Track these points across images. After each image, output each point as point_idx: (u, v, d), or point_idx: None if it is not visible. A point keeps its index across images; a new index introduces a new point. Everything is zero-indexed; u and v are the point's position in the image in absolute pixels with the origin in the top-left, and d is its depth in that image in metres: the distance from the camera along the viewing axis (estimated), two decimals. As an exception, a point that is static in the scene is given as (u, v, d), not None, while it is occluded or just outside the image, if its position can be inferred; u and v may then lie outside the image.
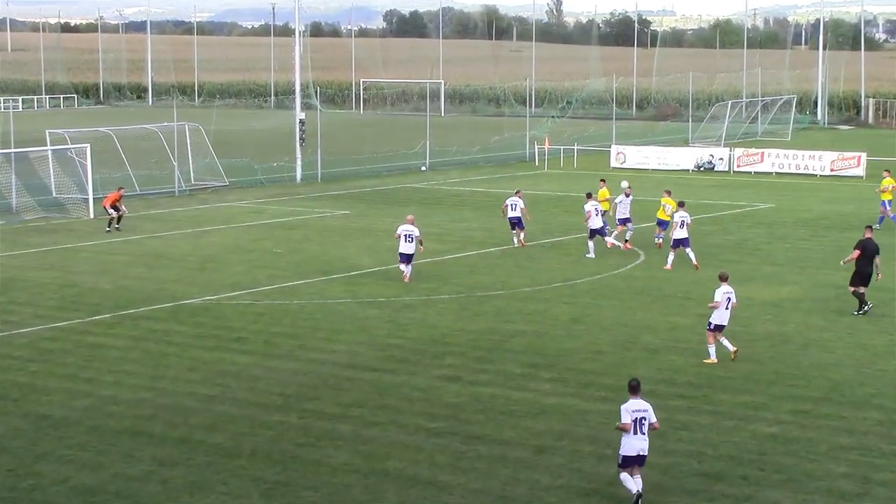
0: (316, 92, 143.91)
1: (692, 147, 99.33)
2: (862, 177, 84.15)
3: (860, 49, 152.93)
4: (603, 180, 60.62)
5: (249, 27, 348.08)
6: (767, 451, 27.14)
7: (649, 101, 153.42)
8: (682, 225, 48.61)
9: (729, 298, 34.22)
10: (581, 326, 39.14)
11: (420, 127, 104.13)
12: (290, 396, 31.20)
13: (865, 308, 40.30)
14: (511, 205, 54.37)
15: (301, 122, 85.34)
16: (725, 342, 34.21)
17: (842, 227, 60.65)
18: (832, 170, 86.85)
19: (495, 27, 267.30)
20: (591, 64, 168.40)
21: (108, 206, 58.50)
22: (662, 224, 53.39)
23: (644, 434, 23.42)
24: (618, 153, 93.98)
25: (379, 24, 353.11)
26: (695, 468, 26.02)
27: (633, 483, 23.24)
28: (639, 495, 23.22)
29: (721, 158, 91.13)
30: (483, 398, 30.92)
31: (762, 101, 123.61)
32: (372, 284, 45.96)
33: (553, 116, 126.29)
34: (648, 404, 23.73)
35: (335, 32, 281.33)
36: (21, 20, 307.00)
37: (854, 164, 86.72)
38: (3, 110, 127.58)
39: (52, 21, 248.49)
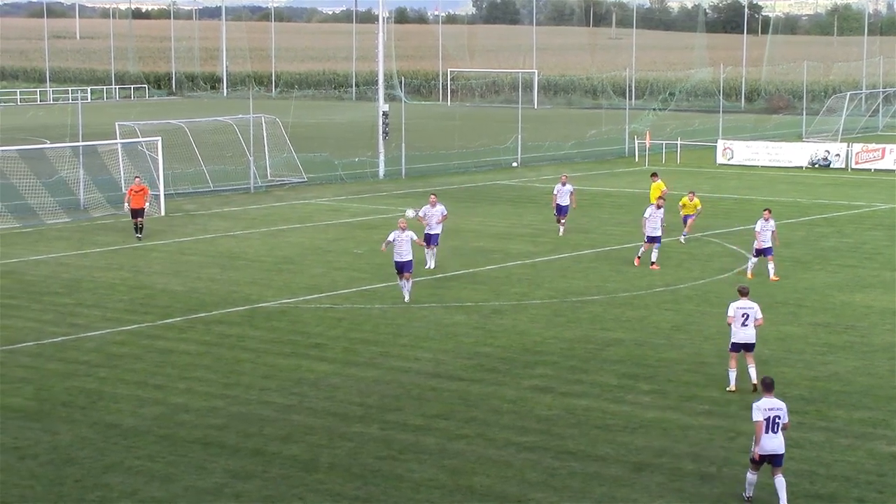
0: (400, 82, 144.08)
1: (806, 142, 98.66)
2: None
3: None
4: (654, 174, 60.49)
5: (330, 13, 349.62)
6: (887, 471, 26.92)
7: (759, 92, 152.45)
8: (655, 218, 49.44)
9: (746, 315, 32.55)
10: (683, 335, 39.03)
11: (511, 120, 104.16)
12: (370, 407, 31.36)
13: None
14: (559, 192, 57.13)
15: (384, 114, 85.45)
16: (752, 371, 32.37)
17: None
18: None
19: (593, 13, 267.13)
20: (697, 53, 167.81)
21: (136, 208, 56.57)
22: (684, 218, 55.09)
23: (777, 433, 23.76)
24: (724, 149, 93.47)
25: (468, 9, 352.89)
26: (806, 489, 25.85)
27: (752, 488, 24.03)
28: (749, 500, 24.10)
29: (837, 155, 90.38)
30: (577, 411, 30.92)
31: (884, 92, 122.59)
32: (459, 288, 46.03)
33: (655, 109, 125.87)
34: (783, 403, 24.11)
35: (421, 19, 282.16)
36: (90, 6, 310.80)
37: None
38: (71, 102, 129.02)
39: (123, 7, 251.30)
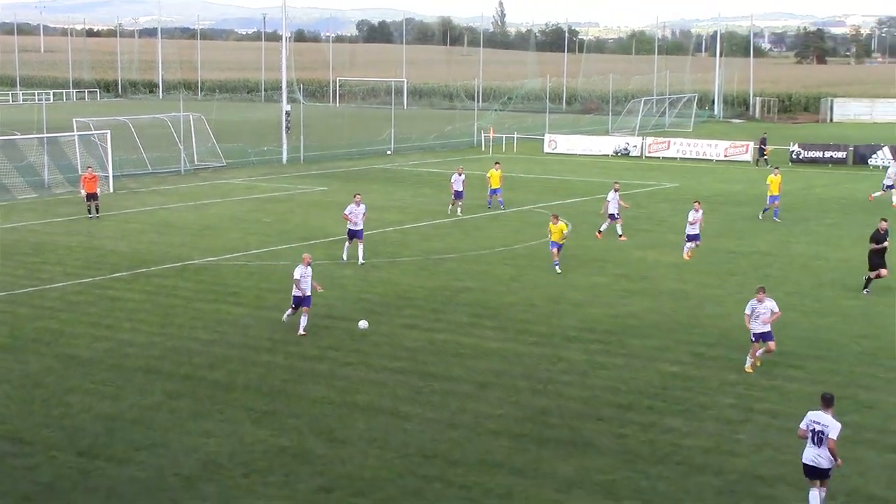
0: (299, 88, 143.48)
1: (612, 136, 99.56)
2: (749, 162, 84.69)
3: (750, 56, 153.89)
4: (497, 163, 60.68)
5: (244, 33, 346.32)
6: (669, 386, 27.44)
7: (576, 97, 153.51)
8: (614, 203, 48.24)
9: (753, 309, 28.76)
10: (518, 284, 39.34)
11: (386, 118, 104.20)
12: (276, 341, 31.29)
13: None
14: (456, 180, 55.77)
15: (286, 113, 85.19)
16: (759, 352, 29.11)
17: (733, 203, 61.14)
18: (725, 156, 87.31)
19: (450, 35, 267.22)
20: (529, 66, 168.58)
21: (90, 192, 54.38)
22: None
23: (822, 447, 19.31)
24: (550, 141, 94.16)
25: (352, 31, 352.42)
26: (610, 399, 26.28)
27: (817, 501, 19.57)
28: None
29: (635, 146, 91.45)
30: (437, 342, 31.09)
31: (669, 98, 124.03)
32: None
33: (497, 110, 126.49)
34: (834, 422, 19.36)
35: (315, 38, 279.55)
36: (52, 26, 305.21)
37: (743, 151, 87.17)
38: (37, 102, 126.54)
39: (79, 27, 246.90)
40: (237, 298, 36.71)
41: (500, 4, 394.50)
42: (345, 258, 42.38)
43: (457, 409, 25.59)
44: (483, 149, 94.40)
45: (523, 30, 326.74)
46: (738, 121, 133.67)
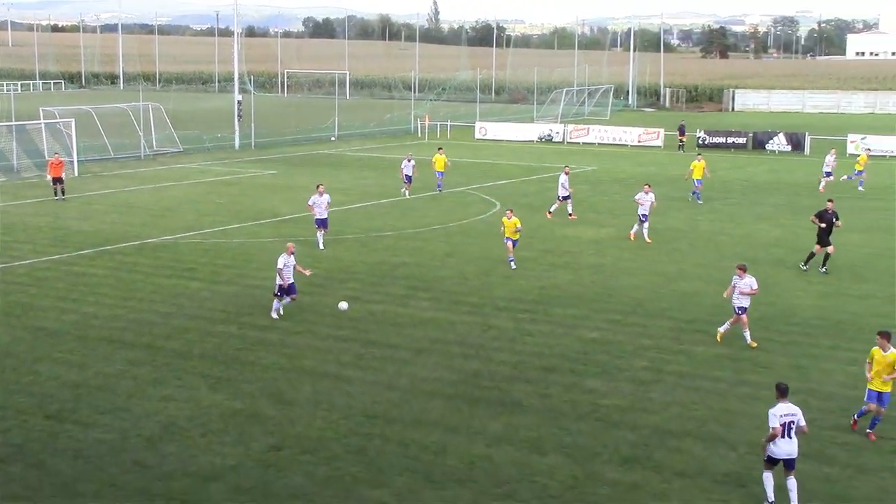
0: (250, 80, 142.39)
1: (536, 123, 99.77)
2: (661, 146, 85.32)
3: (660, 51, 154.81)
4: (441, 148, 60.51)
5: (199, 28, 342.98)
6: (589, 350, 27.58)
7: (504, 88, 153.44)
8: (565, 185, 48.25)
9: (735, 284, 28.13)
10: (452, 259, 39.34)
11: (330, 107, 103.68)
12: (230, 313, 31.09)
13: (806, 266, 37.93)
14: (405, 165, 55.15)
15: (238, 102, 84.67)
16: (746, 333, 28.32)
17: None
18: (639, 141, 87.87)
19: (388, 31, 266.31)
20: (461, 60, 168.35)
21: (55, 177, 53.71)
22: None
23: (792, 438, 18.44)
24: (480, 128, 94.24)
25: (299, 27, 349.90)
26: (536, 363, 26.38)
27: (771, 488, 18.43)
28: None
29: (557, 132, 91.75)
30: (377, 313, 31.04)
31: (588, 89, 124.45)
32: (292, 227, 45.78)
33: (432, 99, 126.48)
34: (798, 409, 18.64)
35: (265, 34, 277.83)
36: (19, 22, 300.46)
37: (655, 137, 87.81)
38: (5, 92, 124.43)
39: (44, 23, 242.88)
40: (193, 274, 36.42)
41: (435, 3, 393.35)
42: (321, 247, 40.70)
43: (395, 373, 25.60)
44: (419, 135, 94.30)
45: (455, 26, 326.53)
46: (650, 110, 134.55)
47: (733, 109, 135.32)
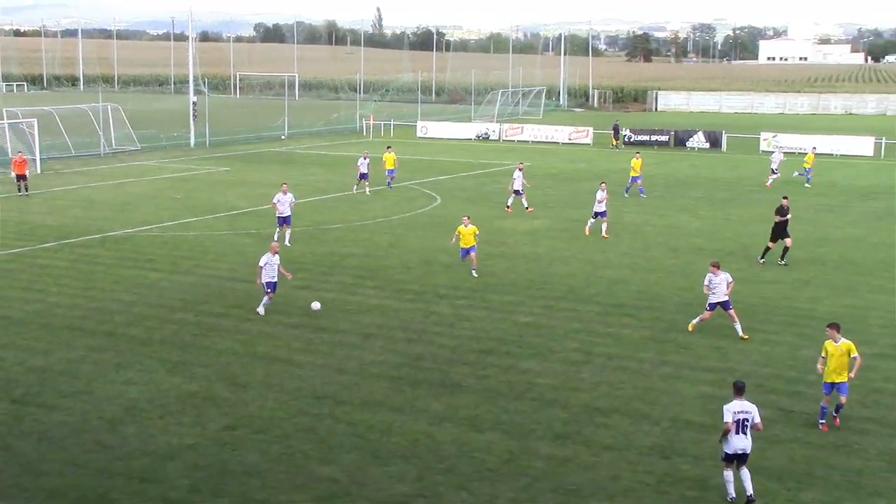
0: (204, 82, 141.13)
1: (474, 123, 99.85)
2: (590, 144, 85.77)
3: (589, 55, 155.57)
4: (389, 147, 59.95)
5: (155, 33, 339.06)
6: (524, 334, 27.69)
7: (444, 90, 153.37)
8: (518, 181, 48.06)
9: (710, 281, 27.44)
10: (396, 249, 39.31)
11: (280, 108, 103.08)
12: (188, 301, 30.86)
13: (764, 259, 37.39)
14: (362, 163, 54.19)
15: (193, 103, 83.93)
16: (737, 327, 27.62)
17: (576, 179, 61.83)
18: (569, 139, 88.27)
19: (335, 36, 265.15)
20: (403, 63, 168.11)
21: (19, 174, 52.86)
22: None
23: (747, 434, 17.71)
24: (422, 127, 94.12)
25: (250, 32, 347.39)
26: (474, 346, 26.45)
27: (731, 487, 17.77)
28: (744, 499, 17.73)
29: (494, 131, 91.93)
30: (326, 300, 30.89)
31: (522, 90, 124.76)
32: (246, 220, 45.51)
33: (376, 100, 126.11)
34: (753, 406, 17.87)
35: (218, 39, 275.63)
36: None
37: (584, 135, 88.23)
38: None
39: (7, 28, 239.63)
40: (153, 265, 36.08)
41: (378, 9, 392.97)
42: (288, 243, 39.15)
43: (343, 357, 25.54)
44: (365, 134, 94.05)
45: (398, 31, 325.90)
46: (579, 110, 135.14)
47: (656, 109, 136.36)
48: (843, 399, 21.32)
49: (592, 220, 42.55)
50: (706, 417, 21.57)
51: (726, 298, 27.57)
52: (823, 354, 21.31)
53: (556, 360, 25.47)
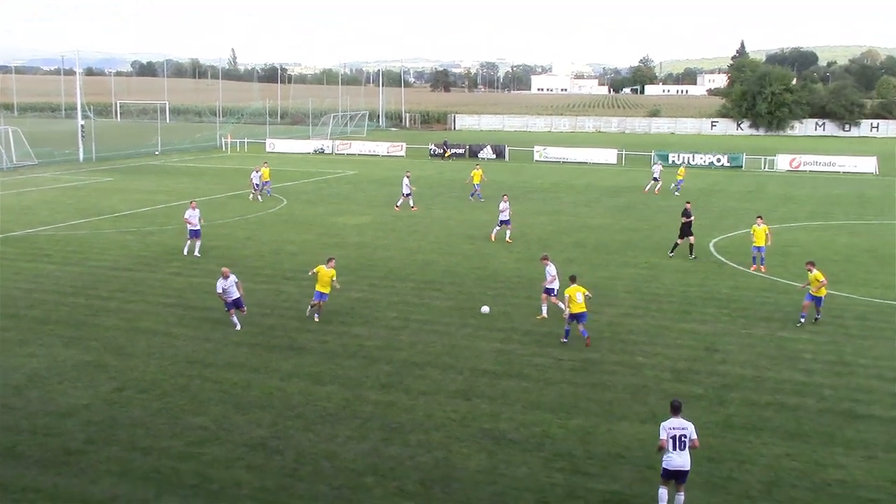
0: (90, 108, 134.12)
1: (312, 140, 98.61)
2: (403, 156, 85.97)
3: (401, 86, 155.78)
4: (265, 162, 58.50)
5: (48, 69, 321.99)
6: (355, 306, 27.54)
7: (287, 113, 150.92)
8: (406, 186, 47.06)
9: (549, 272, 26.02)
10: (251, 242, 38.49)
11: (154, 129, 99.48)
12: (79, 287, 29.48)
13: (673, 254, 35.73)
14: (254, 175, 51.91)
15: (81, 126, 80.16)
16: (544, 307, 26.32)
17: (391, 184, 61.78)
18: (388, 152, 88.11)
19: (198, 71, 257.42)
20: (254, 92, 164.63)
21: None
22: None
23: (684, 451, 14.62)
24: (270, 143, 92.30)
25: (128, 68, 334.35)
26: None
27: (665, 501, 14.74)
28: None
29: (328, 146, 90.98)
30: (194, 284, 30.08)
31: (350, 114, 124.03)
32: (127, 221, 43.73)
33: (233, 122, 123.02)
34: (689, 423, 14.78)
35: (101, 73, 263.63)
36: None
37: (399, 149, 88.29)
38: None
39: None
40: (49, 258, 34.30)
41: (233, 50, 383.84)
42: (185, 252, 35.46)
43: (210, 329, 24.87)
44: (224, 150, 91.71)
45: (249, 67, 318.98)
46: (395, 129, 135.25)
47: (455, 129, 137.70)
48: (581, 327, 23.48)
49: (497, 228, 38.87)
50: (498, 367, 21.94)
51: (556, 286, 25.90)
52: (568, 295, 23.29)
53: (380, 326, 25.43)
